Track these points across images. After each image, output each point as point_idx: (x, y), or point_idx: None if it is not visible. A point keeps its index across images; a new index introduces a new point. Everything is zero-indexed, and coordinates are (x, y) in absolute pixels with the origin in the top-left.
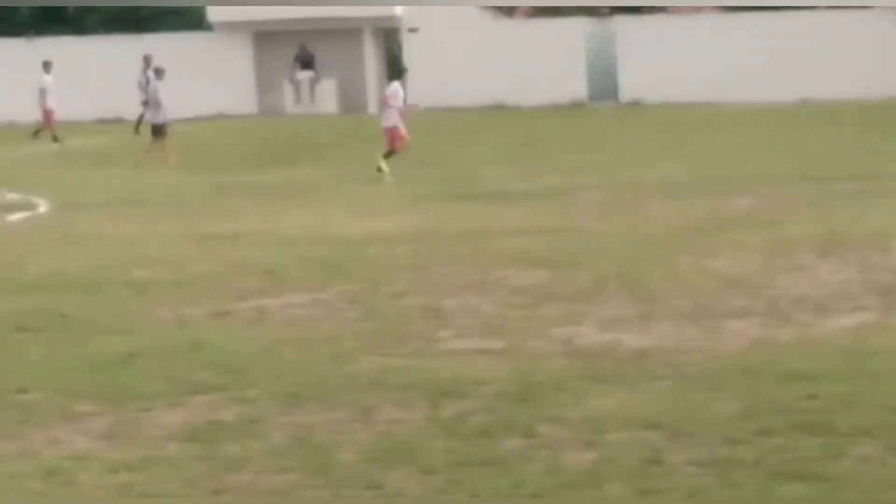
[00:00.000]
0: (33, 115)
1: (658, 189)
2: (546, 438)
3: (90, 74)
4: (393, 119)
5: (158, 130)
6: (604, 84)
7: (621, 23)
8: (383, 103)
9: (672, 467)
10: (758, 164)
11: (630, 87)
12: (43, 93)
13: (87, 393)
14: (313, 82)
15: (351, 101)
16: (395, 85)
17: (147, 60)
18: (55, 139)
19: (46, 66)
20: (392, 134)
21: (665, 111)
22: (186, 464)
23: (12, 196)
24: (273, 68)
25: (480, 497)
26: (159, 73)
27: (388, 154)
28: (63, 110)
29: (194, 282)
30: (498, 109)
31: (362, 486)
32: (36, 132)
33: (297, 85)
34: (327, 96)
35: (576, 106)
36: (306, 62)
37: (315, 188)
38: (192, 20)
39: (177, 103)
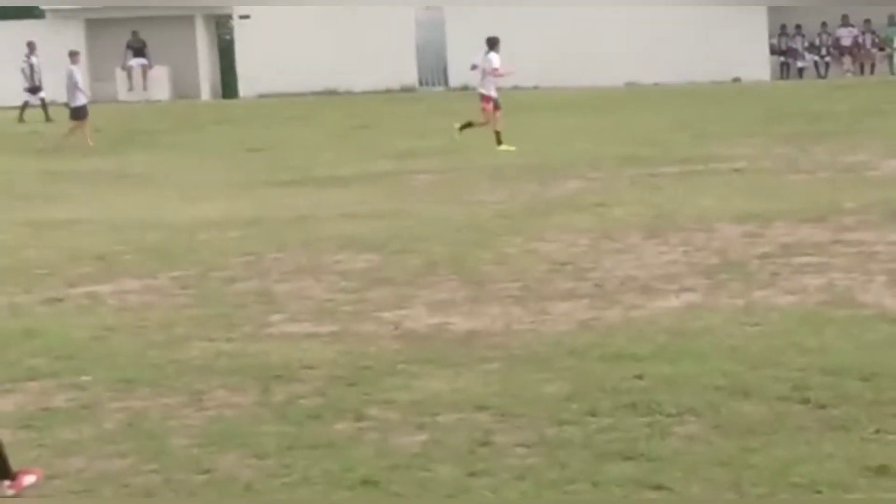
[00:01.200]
0: None
1: (487, 173)
2: (376, 421)
3: None
4: (491, 89)
5: (77, 114)
6: (434, 69)
7: (450, 9)
8: (487, 73)
9: (501, 449)
10: (585, 148)
11: (460, 72)
12: None
13: None
14: (145, 69)
15: (183, 88)
16: (494, 55)
17: (31, 46)
18: None
19: None
20: (488, 104)
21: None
22: (19, 450)
23: None
24: (106, 56)
25: (311, 481)
26: (73, 56)
27: (470, 125)
28: None
29: (27, 269)
30: (330, 95)
31: (194, 470)
32: None
33: (129, 72)
34: (160, 83)
35: (407, 91)
36: (138, 49)
37: (148, 175)
38: (24, 8)
39: (7, 91)
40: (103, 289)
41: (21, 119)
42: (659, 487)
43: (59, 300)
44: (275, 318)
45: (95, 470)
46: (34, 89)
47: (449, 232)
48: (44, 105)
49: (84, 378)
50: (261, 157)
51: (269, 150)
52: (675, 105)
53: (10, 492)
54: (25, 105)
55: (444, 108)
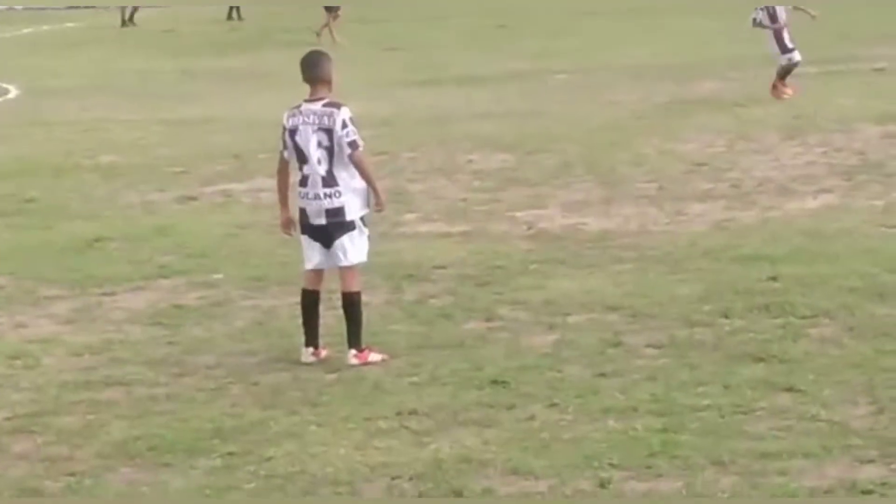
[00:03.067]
0: None
1: (625, 73)
2: (507, 321)
3: None
4: None
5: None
6: None
7: None
8: None
9: (631, 349)
10: (727, 49)
11: None
12: None
13: (52, 277)
14: None
15: None
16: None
17: None
18: None
19: None
20: None
21: None
22: (150, 347)
23: None
24: None
25: (440, 380)
26: None
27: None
28: None
29: (160, 167)
30: None
31: (323, 369)
32: None
33: None
34: None
35: None
36: None
37: (283, 73)
38: None
39: None
40: (237, 187)
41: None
42: (790, 389)
43: (193, 198)
44: (407, 217)
45: (226, 365)
46: None
47: (585, 132)
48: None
49: (216, 276)
50: (397, 56)
51: (404, 49)
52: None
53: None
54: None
55: (584, 7)
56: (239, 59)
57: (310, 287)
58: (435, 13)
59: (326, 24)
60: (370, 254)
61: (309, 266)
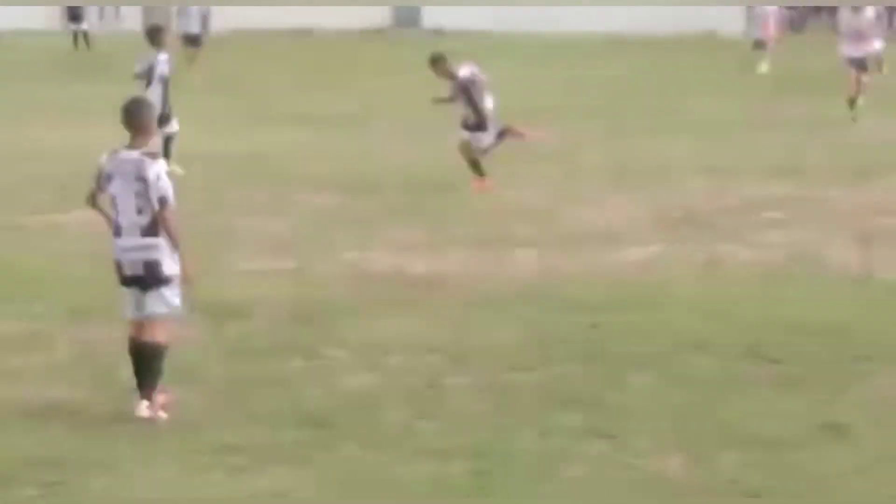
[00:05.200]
0: None
1: (455, 118)
2: (328, 360)
3: None
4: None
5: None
6: (407, 11)
7: None
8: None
9: (451, 392)
10: (556, 96)
11: (432, 14)
12: None
13: None
14: None
15: (154, 19)
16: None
17: None
18: None
19: None
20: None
21: (466, 40)
22: None
23: None
24: None
25: (259, 418)
26: None
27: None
28: None
29: None
30: (302, 34)
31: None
32: None
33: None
34: (132, 13)
35: (379, 32)
36: None
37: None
38: None
39: None
40: (63, 217)
41: None
42: (607, 436)
43: (20, 227)
44: (232, 254)
45: (45, 398)
46: None
47: (413, 175)
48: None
49: (37, 307)
50: (229, 94)
51: (237, 88)
52: (650, 55)
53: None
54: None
55: (416, 51)
56: (79, 87)
57: (135, 335)
58: (272, 52)
59: (193, 58)
60: (194, 290)
61: (128, 316)
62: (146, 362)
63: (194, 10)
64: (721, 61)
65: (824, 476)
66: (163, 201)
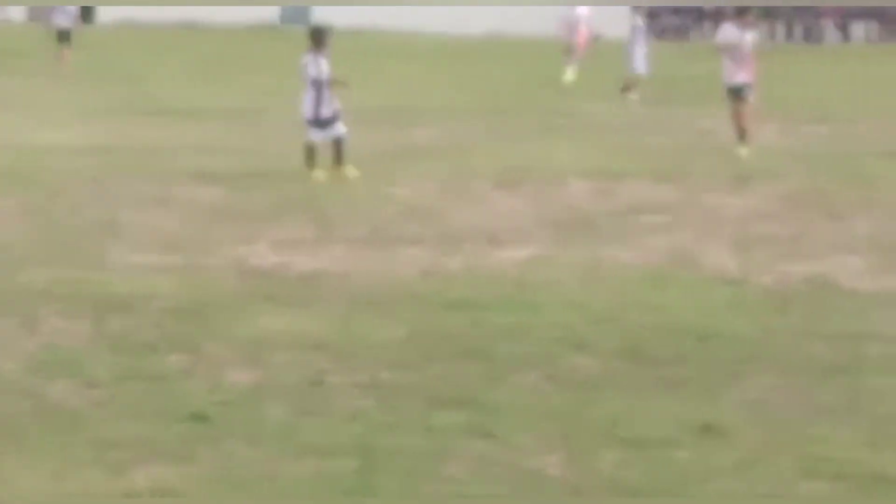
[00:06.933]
0: None
1: (346, 115)
2: (211, 356)
3: None
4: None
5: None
6: (295, 7)
7: None
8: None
9: (334, 390)
10: (444, 96)
11: (321, 11)
12: None
13: None
14: None
15: (39, 9)
16: None
17: None
18: None
19: None
20: None
21: (355, 38)
22: None
23: None
24: None
25: (140, 413)
26: None
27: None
28: None
29: None
30: (190, 29)
31: (23, 394)
32: None
33: None
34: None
35: (267, 28)
36: None
37: (1, 98)
38: None
39: None
40: None
41: None
42: (489, 435)
43: None
44: (118, 247)
45: None
46: None
47: (300, 171)
48: None
49: None
50: (117, 86)
51: (125, 80)
52: (536, 56)
53: None
54: None
55: (303, 46)
56: None
57: None
58: (159, 45)
59: (62, 51)
60: (74, 282)
61: None
62: None
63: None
64: (606, 64)
65: (701, 474)
66: None
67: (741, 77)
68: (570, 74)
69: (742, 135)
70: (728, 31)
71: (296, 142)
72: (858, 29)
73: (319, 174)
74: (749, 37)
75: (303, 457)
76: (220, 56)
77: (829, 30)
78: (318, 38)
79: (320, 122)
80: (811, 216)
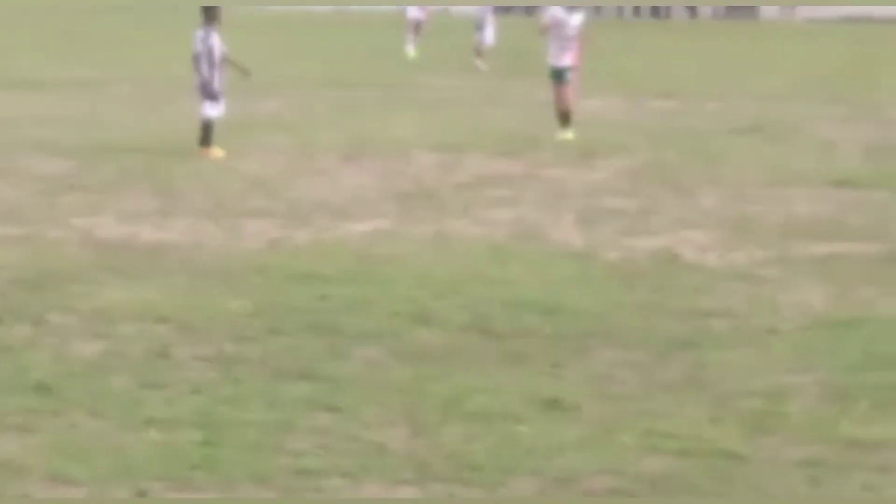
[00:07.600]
0: None
1: (185, 88)
2: (56, 327)
3: None
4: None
5: None
6: None
7: None
8: None
9: (178, 362)
10: (289, 69)
11: None
12: None
13: None
14: None
15: None
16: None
17: None
18: None
19: None
20: None
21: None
22: None
23: None
24: None
25: None
26: None
27: None
28: None
29: None
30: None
31: None
32: None
33: None
34: None
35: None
36: None
37: None
38: None
39: None
40: None
41: None
42: (333, 409)
43: None
44: None
45: None
46: None
47: (146, 143)
48: None
49: None
50: None
51: None
52: (378, 30)
53: None
54: None
55: (153, 20)
56: None
57: None
58: (3, 16)
59: None
60: None
61: None
62: None
63: None
64: (453, 39)
65: (545, 448)
66: None
67: (566, 60)
68: (412, 50)
69: (565, 118)
70: (555, 11)
71: (144, 114)
72: (706, 6)
73: (217, 151)
74: (575, 18)
75: (147, 429)
76: (69, 28)
77: (677, 6)
78: (211, 13)
79: (214, 96)
80: (657, 191)
